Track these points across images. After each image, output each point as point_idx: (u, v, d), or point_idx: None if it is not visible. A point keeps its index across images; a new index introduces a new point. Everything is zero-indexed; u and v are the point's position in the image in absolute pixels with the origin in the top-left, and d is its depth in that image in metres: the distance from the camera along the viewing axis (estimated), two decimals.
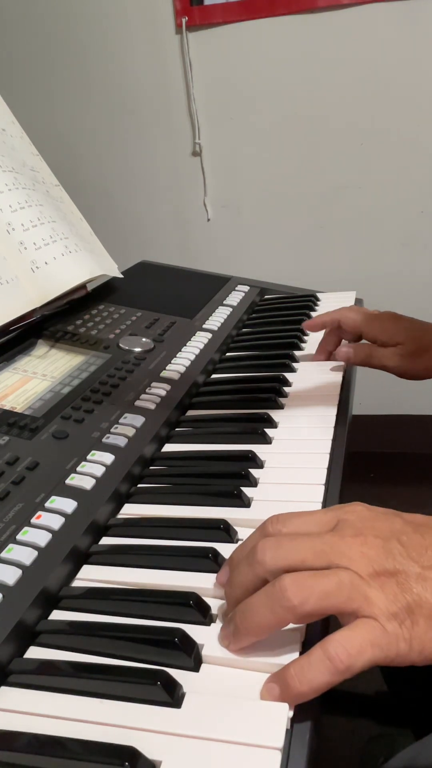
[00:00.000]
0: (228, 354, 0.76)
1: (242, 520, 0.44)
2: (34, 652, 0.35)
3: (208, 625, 0.36)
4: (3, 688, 0.33)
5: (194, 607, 0.36)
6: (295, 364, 0.70)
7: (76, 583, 0.40)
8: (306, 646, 0.34)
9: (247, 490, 0.47)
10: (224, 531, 0.42)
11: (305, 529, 0.35)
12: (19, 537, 0.40)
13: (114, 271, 0.84)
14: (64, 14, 1.51)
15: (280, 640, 0.34)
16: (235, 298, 0.89)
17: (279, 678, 0.30)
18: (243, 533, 0.43)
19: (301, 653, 0.33)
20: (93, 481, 0.47)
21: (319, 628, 0.34)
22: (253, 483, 0.49)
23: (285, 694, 0.30)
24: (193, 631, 0.35)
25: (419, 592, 0.31)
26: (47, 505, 0.43)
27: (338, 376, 0.67)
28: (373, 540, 0.33)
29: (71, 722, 0.31)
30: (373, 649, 0.30)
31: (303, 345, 0.76)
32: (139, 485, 0.51)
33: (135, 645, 0.34)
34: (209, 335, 0.76)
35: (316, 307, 0.89)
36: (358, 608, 0.30)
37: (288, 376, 0.67)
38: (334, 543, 0.33)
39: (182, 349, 0.71)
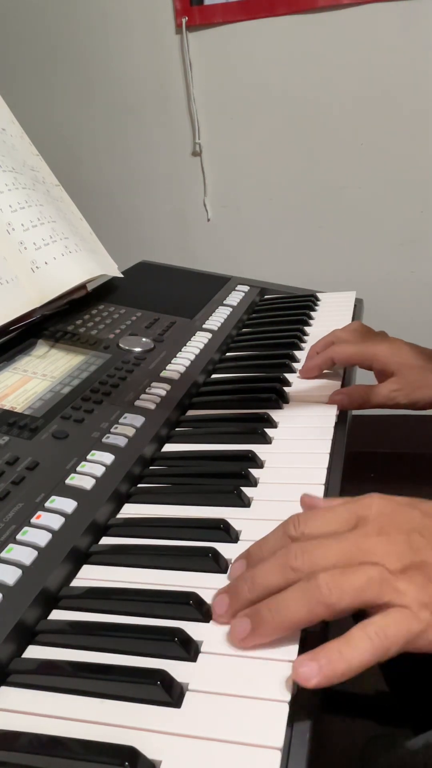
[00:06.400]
0: (228, 354, 0.76)
1: (242, 520, 0.44)
2: (34, 651, 0.35)
3: (207, 623, 0.36)
4: (3, 688, 0.33)
5: (194, 607, 0.36)
6: (295, 364, 0.70)
7: (75, 583, 0.40)
8: (304, 641, 0.34)
9: (247, 490, 0.47)
10: (224, 531, 0.42)
11: (327, 529, 0.36)
12: (19, 537, 0.40)
13: (114, 271, 0.84)
14: (64, 14, 1.51)
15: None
16: (235, 298, 0.89)
17: (320, 655, 0.30)
18: (243, 533, 0.43)
19: (300, 641, 0.33)
20: (93, 481, 0.47)
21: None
22: (253, 483, 0.49)
23: (326, 669, 0.30)
24: (193, 630, 0.35)
25: None
26: (47, 505, 0.43)
27: (338, 377, 0.66)
28: (396, 536, 0.34)
29: (71, 722, 0.31)
30: (408, 635, 0.31)
31: (303, 345, 0.76)
32: (139, 485, 0.51)
33: (135, 641, 0.34)
34: (209, 335, 0.76)
35: (316, 307, 0.89)
36: (389, 600, 0.32)
37: (288, 376, 0.67)
38: (360, 543, 0.34)
39: (182, 349, 0.71)
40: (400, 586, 0.32)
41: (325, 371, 0.67)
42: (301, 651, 0.33)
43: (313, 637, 0.34)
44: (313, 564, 0.34)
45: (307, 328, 0.81)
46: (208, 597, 0.37)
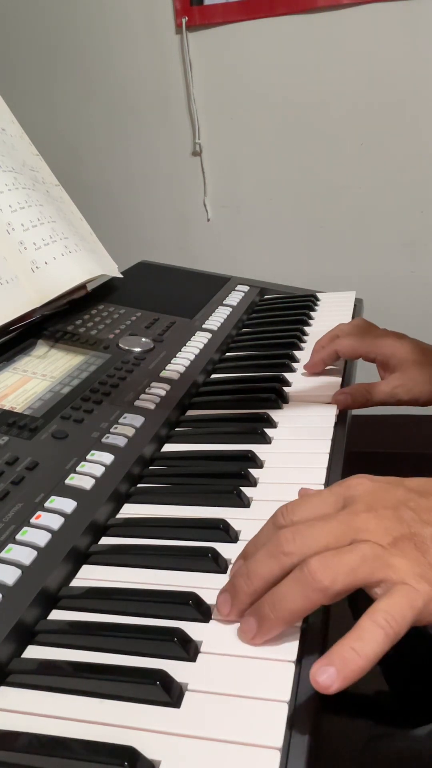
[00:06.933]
0: (228, 354, 0.76)
1: (242, 520, 0.44)
2: (33, 651, 0.35)
3: (207, 623, 0.36)
4: (2, 688, 0.33)
5: (193, 607, 0.36)
6: (295, 364, 0.70)
7: (75, 583, 0.40)
8: (306, 634, 0.34)
9: (247, 490, 0.47)
10: (224, 531, 0.42)
11: (316, 513, 0.36)
12: (18, 537, 0.40)
13: (114, 271, 0.84)
14: (65, 14, 1.51)
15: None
16: (235, 298, 0.89)
17: (335, 657, 0.30)
18: (243, 533, 0.43)
19: (300, 641, 0.33)
20: (93, 481, 0.47)
21: (320, 617, 0.35)
22: (252, 483, 0.49)
23: (345, 671, 0.29)
24: (192, 630, 0.35)
25: None
26: (47, 505, 0.43)
27: (338, 376, 0.66)
28: (384, 511, 0.34)
29: (71, 722, 0.31)
30: (413, 610, 0.31)
31: (303, 345, 0.76)
32: (138, 485, 0.51)
33: (134, 641, 0.34)
34: (209, 335, 0.76)
35: (316, 307, 0.89)
36: (385, 577, 0.32)
37: (288, 376, 0.67)
38: (350, 522, 0.34)
39: (182, 349, 0.71)
40: (393, 561, 0.32)
41: (326, 368, 0.68)
42: (300, 649, 0.33)
43: (312, 633, 0.34)
44: (304, 546, 0.34)
45: (306, 328, 0.81)
46: (207, 597, 0.37)
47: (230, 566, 0.40)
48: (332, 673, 0.29)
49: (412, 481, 0.37)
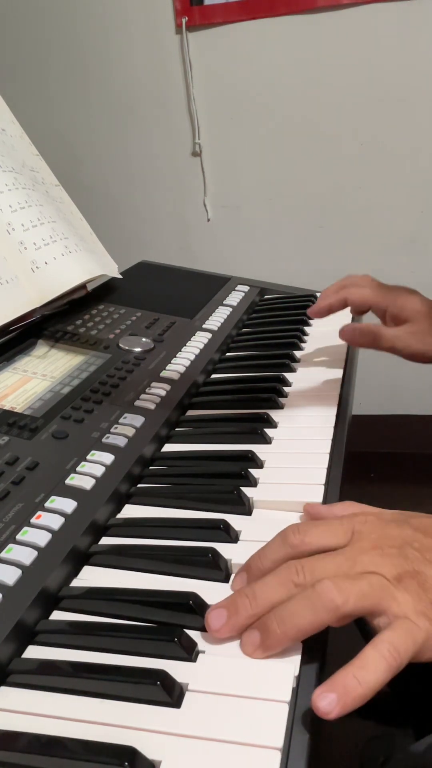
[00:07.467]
0: (228, 354, 0.76)
1: (243, 520, 0.44)
2: (34, 652, 0.35)
3: None
4: (3, 688, 0.33)
5: (194, 607, 0.36)
6: (295, 364, 0.70)
7: (75, 584, 0.40)
8: (305, 644, 0.34)
9: (247, 490, 0.47)
10: (224, 531, 0.42)
11: (326, 538, 0.37)
12: (18, 537, 0.40)
13: (114, 271, 0.84)
14: (65, 14, 1.51)
15: None
16: (235, 298, 0.89)
17: (337, 685, 0.30)
18: (243, 533, 0.43)
19: (303, 652, 0.33)
20: (93, 481, 0.47)
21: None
22: (253, 483, 0.49)
23: (345, 699, 0.30)
24: (193, 630, 0.35)
25: None
26: (47, 505, 0.43)
27: (338, 376, 0.66)
28: (390, 550, 0.35)
29: (71, 722, 0.31)
30: (414, 645, 0.32)
31: (303, 345, 0.76)
32: (139, 485, 0.51)
33: (135, 642, 0.34)
34: (209, 335, 0.76)
35: None
36: (388, 608, 0.33)
37: (288, 376, 0.67)
38: (356, 557, 0.35)
39: (182, 349, 0.71)
40: (397, 595, 0.33)
41: (326, 361, 0.67)
42: (301, 650, 0.33)
43: (312, 637, 0.34)
44: (314, 578, 0.34)
45: (306, 328, 0.81)
46: (208, 597, 0.37)
47: (231, 565, 0.40)
48: (333, 699, 0.30)
49: (418, 520, 0.38)
